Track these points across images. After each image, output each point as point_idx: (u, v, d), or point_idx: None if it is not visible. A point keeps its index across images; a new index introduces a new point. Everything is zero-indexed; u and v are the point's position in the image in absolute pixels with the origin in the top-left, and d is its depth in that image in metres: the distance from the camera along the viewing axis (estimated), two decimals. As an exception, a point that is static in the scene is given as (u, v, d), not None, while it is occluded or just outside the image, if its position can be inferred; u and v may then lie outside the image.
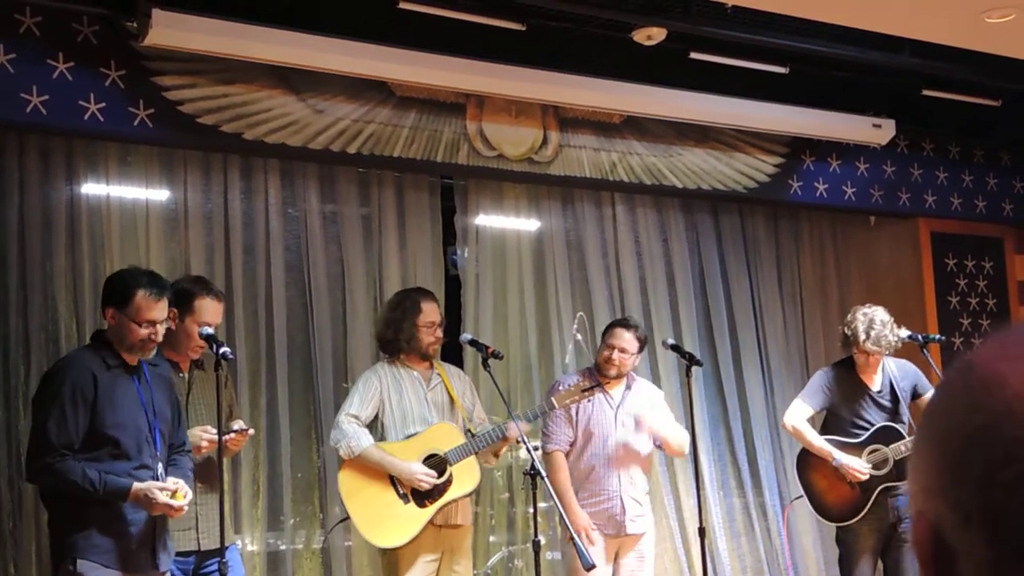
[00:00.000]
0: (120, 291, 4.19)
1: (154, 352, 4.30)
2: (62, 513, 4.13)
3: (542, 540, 5.12)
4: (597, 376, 5.58)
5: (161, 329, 4.21)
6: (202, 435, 4.55)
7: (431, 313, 5.30)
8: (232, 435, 4.61)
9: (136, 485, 4.06)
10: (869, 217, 7.95)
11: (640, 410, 5.64)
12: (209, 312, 4.66)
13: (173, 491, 4.09)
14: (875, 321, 5.58)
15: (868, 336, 5.55)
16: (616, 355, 5.57)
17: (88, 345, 4.38)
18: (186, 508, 4.16)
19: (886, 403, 5.70)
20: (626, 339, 5.58)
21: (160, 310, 4.19)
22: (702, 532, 5.48)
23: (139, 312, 4.13)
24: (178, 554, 4.44)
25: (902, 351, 5.83)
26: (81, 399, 4.08)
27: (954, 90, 7.02)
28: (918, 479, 0.87)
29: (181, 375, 4.66)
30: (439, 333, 5.34)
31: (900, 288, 7.64)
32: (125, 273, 4.35)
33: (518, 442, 5.17)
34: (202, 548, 4.60)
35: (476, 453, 5.19)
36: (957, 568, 0.82)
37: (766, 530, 7.26)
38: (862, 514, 5.58)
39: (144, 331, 4.15)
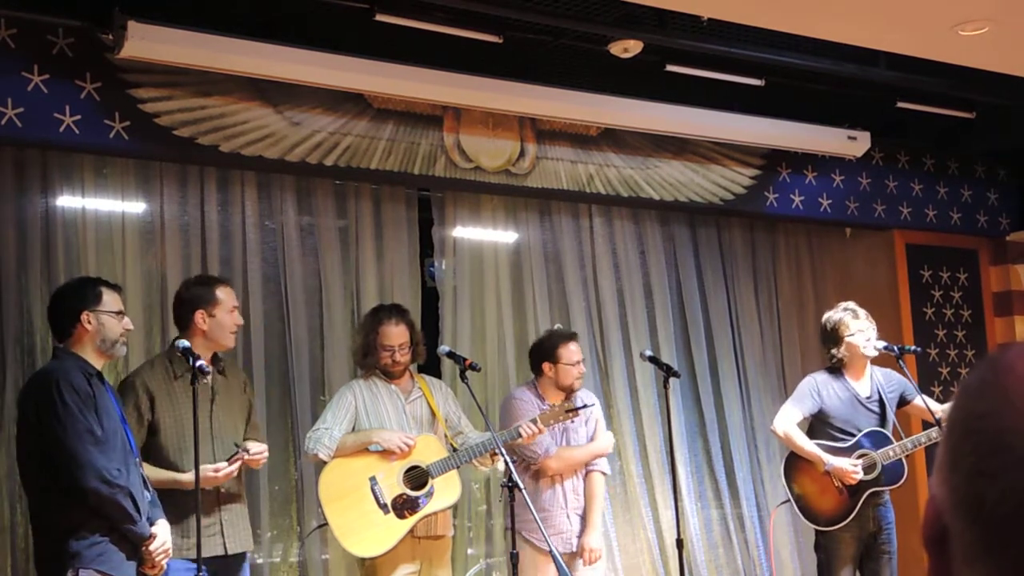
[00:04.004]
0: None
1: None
2: (64, 521, 4.07)
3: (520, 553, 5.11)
4: (541, 391, 5.59)
5: None
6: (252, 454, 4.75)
7: (389, 336, 5.25)
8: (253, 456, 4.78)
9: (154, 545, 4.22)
10: (845, 229, 7.99)
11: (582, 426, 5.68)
12: (231, 296, 4.87)
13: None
14: (854, 309, 5.66)
15: (857, 316, 5.61)
16: (580, 368, 5.59)
17: (62, 358, 4.24)
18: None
19: (874, 409, 5.69)
20: (579, 352, 5.62)
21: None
22: (680, 544, 5.48)
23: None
24: (203, 559, 4.42)
25: (880, 362, 5.85)
26: (90, 408, 4.10)
27: (929, 102, 7.06)
28: (935, 466, 0.91)
29: (205, 383, 4.58)
30: (398, 356, 5.25)
31: (875, 299, 7.64)
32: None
33: (497, 455, 5.15)
34: (229, 552, 4.68)
35: (458, 468, 5.18)
36: (950, 551, 0.85)
37: (744, 541, 7.27)
38: (850, 518, 5.56)
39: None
